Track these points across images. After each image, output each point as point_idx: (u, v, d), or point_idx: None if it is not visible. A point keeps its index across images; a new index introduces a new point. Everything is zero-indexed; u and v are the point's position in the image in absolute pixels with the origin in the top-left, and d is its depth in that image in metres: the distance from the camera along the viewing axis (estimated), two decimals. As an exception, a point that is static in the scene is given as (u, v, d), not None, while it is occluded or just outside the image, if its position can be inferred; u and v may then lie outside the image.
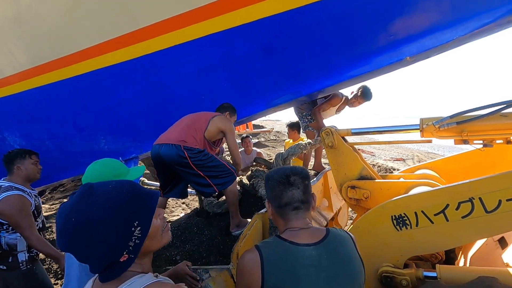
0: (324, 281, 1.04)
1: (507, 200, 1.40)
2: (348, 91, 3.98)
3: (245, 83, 2.79)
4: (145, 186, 4.55)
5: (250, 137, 5.19)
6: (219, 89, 2.85)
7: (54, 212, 4.81)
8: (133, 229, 0.78)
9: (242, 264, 1.12)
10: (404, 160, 11.55)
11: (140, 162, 4.26)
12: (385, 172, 7.82)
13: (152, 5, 2.60)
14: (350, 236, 1.21)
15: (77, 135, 3.67)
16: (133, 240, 0.78)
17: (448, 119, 1.78)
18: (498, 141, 1.76)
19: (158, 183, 4.27)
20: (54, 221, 4.35)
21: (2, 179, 2.27)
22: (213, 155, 2.47)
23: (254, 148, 5.17)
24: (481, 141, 1.80)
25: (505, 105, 1.64)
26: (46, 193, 5.83)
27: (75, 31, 3.04)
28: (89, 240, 0.74)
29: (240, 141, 5.01)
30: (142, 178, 3.81)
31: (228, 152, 2.95)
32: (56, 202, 5.33)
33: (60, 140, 3.85)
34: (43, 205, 5.15)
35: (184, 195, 2.73)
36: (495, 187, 1.42)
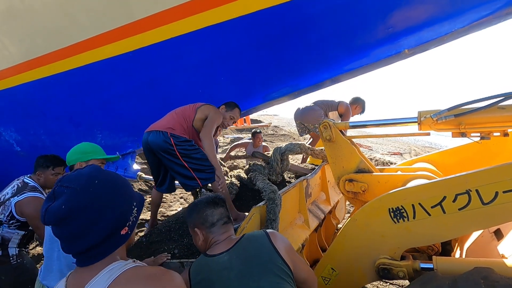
0: (235, 278, 1.17)
1: (504, 192, 1.40)
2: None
3: (243, 76, 2.76)
4: (142, 181, 4.54)
5: (262, 132, 5.68)
6: (217, 82, 2.83)
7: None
8: (133, 206, 0.90)
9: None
10: (401, 154, 11.59)
11: (137, 157, 4.23)
12: (383, 166, 7.86)
13: (147, -3, 2.56)
14: (265, 232, 1.33)
15: (73, 130, 3.64)
16: (132, 216, 0.89)
17: (446, 112, 1.78)
18: (495, 134, 1.77)
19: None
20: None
21: (27, 176, 2.31)
22: (200, 148, 2.44)
23: (263, 143, 5.53)
24: (479, 134, 1.80)
25: (503, 98, 1.64)
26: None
27: (69, 24, 2.99)
28: (102, 203, 0.83)
29: (251, 135, 5.45)
30: (139, 173, 3.80)
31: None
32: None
33: (56, 135, 3.81)
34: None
35: (171, 189, 2.71)
36: (492, 179, 1.42)
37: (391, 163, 8.40)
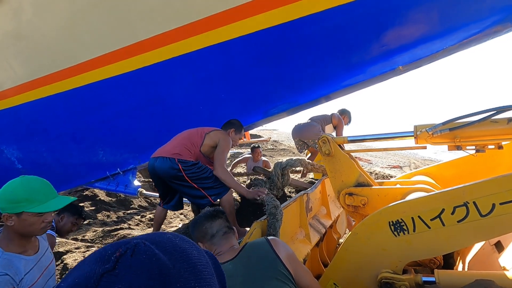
0: (240, 285, 1.19)
1: (501, 203, 1.43)
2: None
3: (243, 93, 2.84)
4: (142, 197, 4.53)
5: (261, 147, 5.73)
6: (217, 100, 2.90)
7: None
8: None
9: None
10: (401, 167, 11.59)
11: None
12: (382, 180, 7.86)
13: (151, 18, 2.67)
14: (267, 239, 1.36)
15: (75, 147, 3.68)
16: None
17: (441, 126, 1.83)
18: (490, 147, 1.81)
19: (156, 194, 4.24)
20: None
21: None
22: (207, 166, 2.48)
23: (263, 158, 5.56)
24: (474, 147, 1.84)
25: (495, 111, 1.70)
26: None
27: (74, 44, 3.10)
28: None
29: (251, 150, 5.51)
30: (140, 189, 3.81)
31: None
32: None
33: (58, 153, 3.85)
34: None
35: (179, 207, 2.75)
36: (488, 191, 1.45)
37: (391, 176, 8.41)
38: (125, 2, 2.70)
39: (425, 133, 1.87)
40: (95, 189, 5.31)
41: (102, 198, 5.57)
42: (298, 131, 4.25)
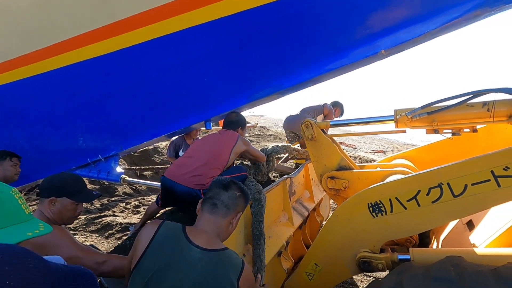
0: (191, 281, 1.09)
1: (472, 184, 1.49)
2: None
3: (228, 76, 2.77)
4: (126, 184, 4.48)
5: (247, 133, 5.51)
6: (202, 83, 2.83)
7: (31, 213, 4.64)
8: None
9: (140, 232, 1.24)
10: (384, 152, 11.89)
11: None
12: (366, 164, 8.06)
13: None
14: (242, 265, 1.20)
15: (54, 133, 3.55)
16: None
17: (420, 110, 1.86)
18: (465, 130, 1.86)
19: (141, 181, 4.17)
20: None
21: None
22: None
23: None
24: (450, 130, 1.90)
25: (471, 95, 1.74)
26: (22, 194, 5.61)
27: (48, 23, 2.92)
28: None
29: None
30: (123, 176, 3.74)
31: None
32: (33, 203, 5.14)
33: (35, 139, 3.70)
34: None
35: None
36: (461, 172, 1.50)
37: (375, 161, 8.62)
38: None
39: (405, 117, 1.90)
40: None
41: (85, 185, 5.46)
42: (290, 123, 4.22)
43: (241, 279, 1.16)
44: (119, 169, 3.84)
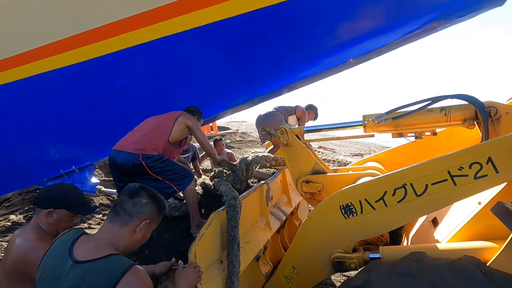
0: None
1: (432, 184, 1.60)
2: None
3: (202, 85, 2.82)
4: (102, 195, 4.35)
5: (223, 140, 5.63)
6: (175, 93, 2.85)
7: (-3, 229, 4.39)
8: None
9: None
10: (362, 155, 12.27)
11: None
12: (344, 167, 8.30)
13: (101, 7, 2.52)
14: (122, 272, 1.06)
15: (23, 145, 3.41)
16: None
17: (385, 115, 1.98)
18: (426, 133, 2.00)
19: (115, 191, 4.09)
20: (-1, 239, 3.97)
21: None
22: (170, 159, 2.47)
23: (226, 150, 5.56)
24: (413, 134, 2.03)
25: (430, 101, 1.88)
26: (-11, 208, 5.28)
27: (16, 32, 2.83)
28: None
29: (213, 143, 5.33)
30: (98, 186, 3.65)
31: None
32: (1, 218, 4.87)
33: (4, 150, 3.54)
34: (-15, 223, 4.67)
35: None
36: (422, 173, 1.61)
37: (352, 164, 8.89)
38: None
39: (372, 122, 2.01)
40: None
41: (58, 198, 5.23)
42: (261, 120, 4.28)
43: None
44: (94, 179, 3.75)
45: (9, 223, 4.52)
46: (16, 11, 2.77)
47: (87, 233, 1.23)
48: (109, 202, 5.63)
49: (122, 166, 2.33)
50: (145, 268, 1.53)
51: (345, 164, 9.30)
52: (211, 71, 2.73)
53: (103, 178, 6.19)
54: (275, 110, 4.25)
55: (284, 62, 2.64)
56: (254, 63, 2.67)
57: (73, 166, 3.46)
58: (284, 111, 4.24)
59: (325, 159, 9.73)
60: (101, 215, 5.00)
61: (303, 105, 4.59)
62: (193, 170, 4.12)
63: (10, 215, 4.89)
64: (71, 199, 1.58)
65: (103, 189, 3.64)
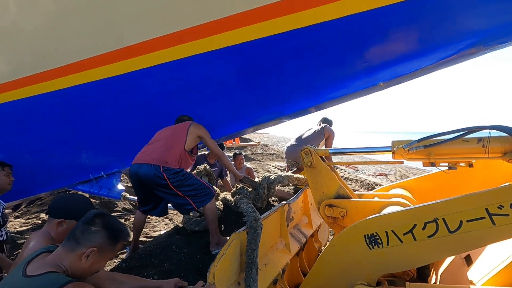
0: None
1: (467, 221, 1.50)
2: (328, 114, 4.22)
3: (229, 102, 2.87)
4: (126, 201, 4.47)
5: (243, 154, 5.56)
6: (204, 107, 2.92)
7: (29, 226, 4.63)
8: None
9: None
10: (386, 175, 11.81)
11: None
12: (368, 187, 8.03)
13: (139, 25, 2.67)
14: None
15: (58, 149, 3.62)
16: None
17: (416, 143, 1.90)
18: (461, 164, 1.89)
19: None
20: (28, 236, 4.19)
21: None
22: (191, 174, 2.52)
23: (245, 164, 5.43)
24: (447, 164, 1.92)
25: (466, 132, 1.78)
26: (22, 206, 5.61)
27: (59, 46, 3.06)
28: None
29: (232, 157, 5.30)
30: (123, 193, 3.77)
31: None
32: (32, 216, 5.14)
33: (40, 154, 3.77)
34: (18, 220, 4.96)
35: (164, 213, 2.75)
36: (456, 208, 1.52)
37: (376, 184, 8.55)
38: (113, 7, 2.70)
39: (401, 149, 1.94)
40: (77, 192, 5.23)
41: (85, 200, 5.45)
42: (293, 153, 4.18)
43: None
44: (120, 186, 3.88)
45: (39, 221, 4.76)
46: (59, 26, 2.99)
47: (51, 252, 1.26)
48: (132, 207, 5.79)
49: (144, 179, 2.39)
50: (153, 282, 1.56)
51: (368, 185, 8.97)
52: (241, 89, 2.78)
53: (127, 185, 6.39)
54: (304, 142, 4.07)
55: (311, 83, 2.64)
56: (282, 82, 2.69)
57: (102, 172, 3.60)
58: (315, 140, 4.14)
59: (347, 178, 9.43)
60: (123, 220, 5.14)
61: (318, 118, 4.51)
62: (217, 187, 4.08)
63: (41, 213, 5.16)
64: (83, 211, 1.62)
65: (128, 196, 3.75)
